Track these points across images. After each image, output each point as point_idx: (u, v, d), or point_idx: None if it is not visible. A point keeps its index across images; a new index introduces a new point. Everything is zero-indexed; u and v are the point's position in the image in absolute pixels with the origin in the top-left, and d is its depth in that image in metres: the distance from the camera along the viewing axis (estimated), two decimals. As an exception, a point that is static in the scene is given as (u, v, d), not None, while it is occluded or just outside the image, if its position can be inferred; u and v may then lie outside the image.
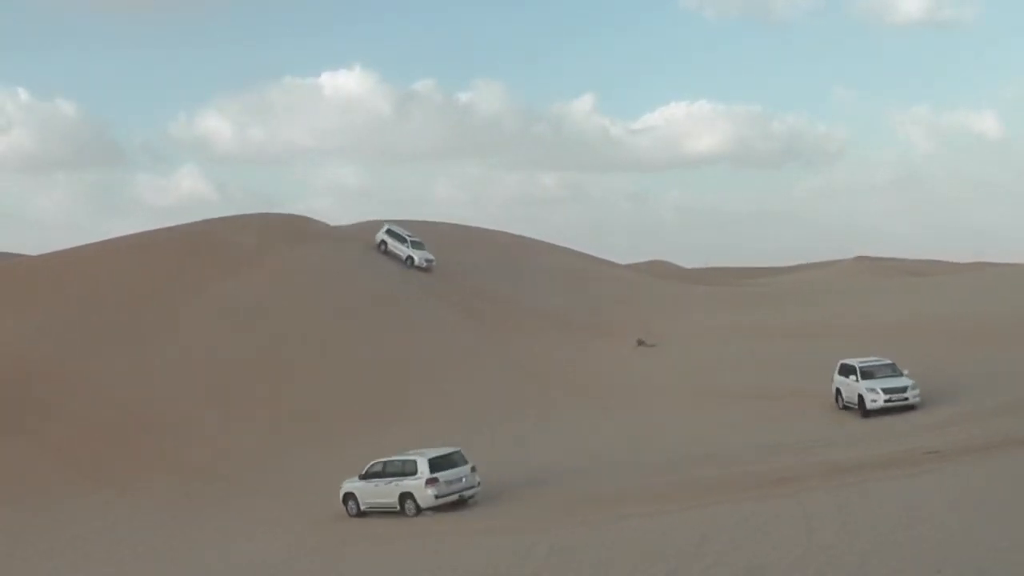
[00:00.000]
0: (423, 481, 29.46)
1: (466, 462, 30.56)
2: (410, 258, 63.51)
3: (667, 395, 45.78)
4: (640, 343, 57.12)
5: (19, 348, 44.72)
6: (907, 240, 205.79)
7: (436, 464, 29.79)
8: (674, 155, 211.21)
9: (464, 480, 30.20)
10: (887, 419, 35.21)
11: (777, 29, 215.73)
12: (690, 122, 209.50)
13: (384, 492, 30.27)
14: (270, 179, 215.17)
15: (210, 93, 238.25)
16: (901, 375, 37.15)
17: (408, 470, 30.02)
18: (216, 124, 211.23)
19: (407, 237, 64.46)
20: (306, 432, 40.54)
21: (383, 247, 64.68)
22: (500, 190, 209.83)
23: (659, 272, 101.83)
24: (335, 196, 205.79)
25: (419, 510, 29.66)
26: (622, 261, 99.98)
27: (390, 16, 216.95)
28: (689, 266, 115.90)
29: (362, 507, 30.75)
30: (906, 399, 36.22)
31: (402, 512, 29.87)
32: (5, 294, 52.06)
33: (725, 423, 38.65)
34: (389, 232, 65.31)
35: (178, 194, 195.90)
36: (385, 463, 30.85)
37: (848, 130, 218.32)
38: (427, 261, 63.53)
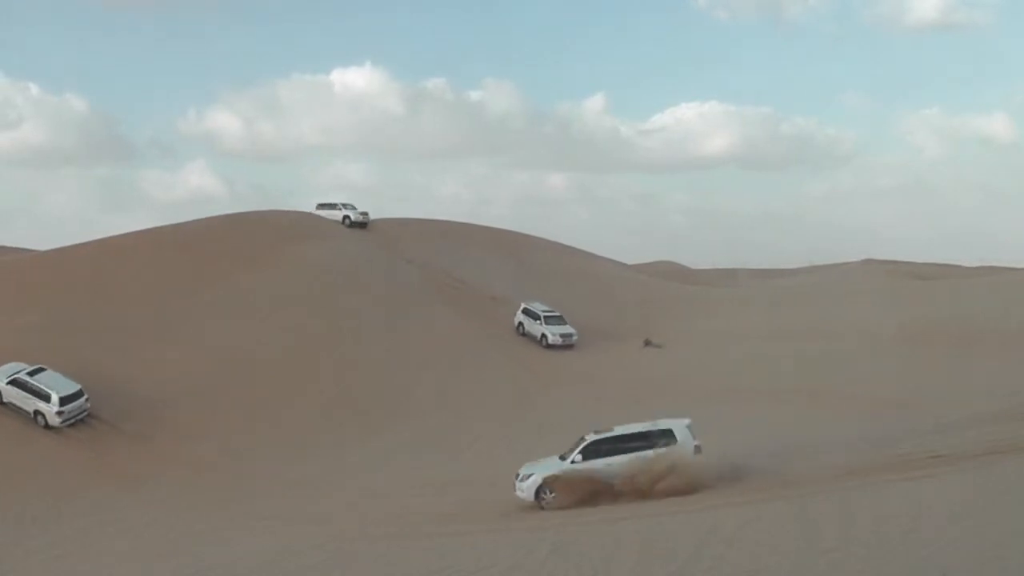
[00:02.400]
0: (54, 410, 38.60)
1: (84, 395, 39.84)
2: (544, 336, 57.42)
3: (672, 396, 45.72)
4: (647, 343, 57.20)
5: (27, 343, 44.86)
6: (915, 243, 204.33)
7: (65, 400, 38.95)
8: (683, 156, 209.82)
9: (80, 409, 39.62)
10: (893, 422, 35.06)
11: (789, 31, 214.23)
12: (700, 123, 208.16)
13: (25, 402, 39.03)
14: (279, 176, 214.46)
15: (219, 89, 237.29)
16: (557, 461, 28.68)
17: (44, 396, 38.84)
18: (225, 120, 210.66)
19: (540, 313, 58.32)
20: (312, 429, 40.66)
21: (520, 329, 58.66)
22: (508, 189, 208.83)
23: (666, 272, 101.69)
24: (344, 193, 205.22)
25: (47, 426, 38.55)
26: (629, 261, 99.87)
27: (401, 14, 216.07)
28: (696, 267, 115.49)
29: (4, 400, 39.26)
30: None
31: (34, 421, 38.69)
32: (14, 289, 52.23)
33: (728, 424, 38.61)
34: (525, 312, 59.04)
35: (187, 190, 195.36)
36: (27, 382, 39.17)
37: (858, 133, 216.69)
38: (563, 337, 57.42)
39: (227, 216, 68.80)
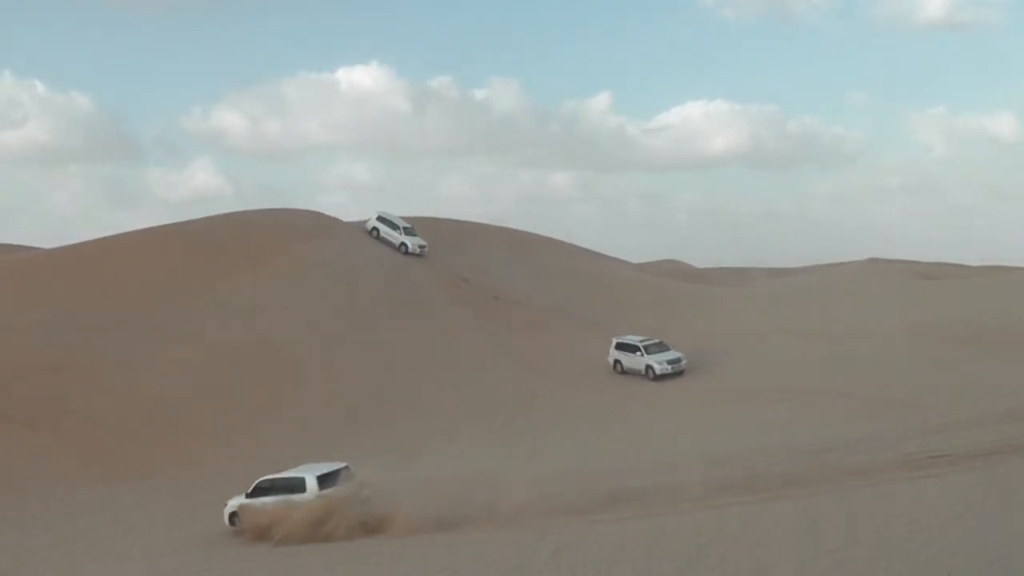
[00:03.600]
0: None
1: None
2: (650, 368, 51.14)
3: (676, 395, 45.74)
4: (651, 342, 57.02)
5: (34, 341, 44.95)
6: (920, 242, 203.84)
7: None
8: (689, 155, 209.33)
9: None
10: (896, 422, 35.01)
11: (795, 30, 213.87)
12: (706, 122, 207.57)
13: None
14: (283, 174, 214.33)
15: (224, 87, 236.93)
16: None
17: None
18: (230, 118, 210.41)
19: (638, 344, 52.15)
20: (314, 428, 40.65)
21: (619, 367, 52.46)
22: (513, 188, 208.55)
23: (671, 271, 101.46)
24: (349, 192, 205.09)
25: None
26: (635, 260, 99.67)
27: (407, 12, 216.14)
28: (702, 266, 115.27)
29: None
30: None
31: None
32: (22, 287, 52.32)
33: (733, 424, 38.58)
34: (619, 347, 52.86)
35: (191, 188, 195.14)
36: None
37: (864, 132, 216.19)
38: (671, 364, 51.20)
39: (232, 215, 68.70)
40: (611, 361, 52.62)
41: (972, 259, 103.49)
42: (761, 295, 76.90)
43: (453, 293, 61.91)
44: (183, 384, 43.35)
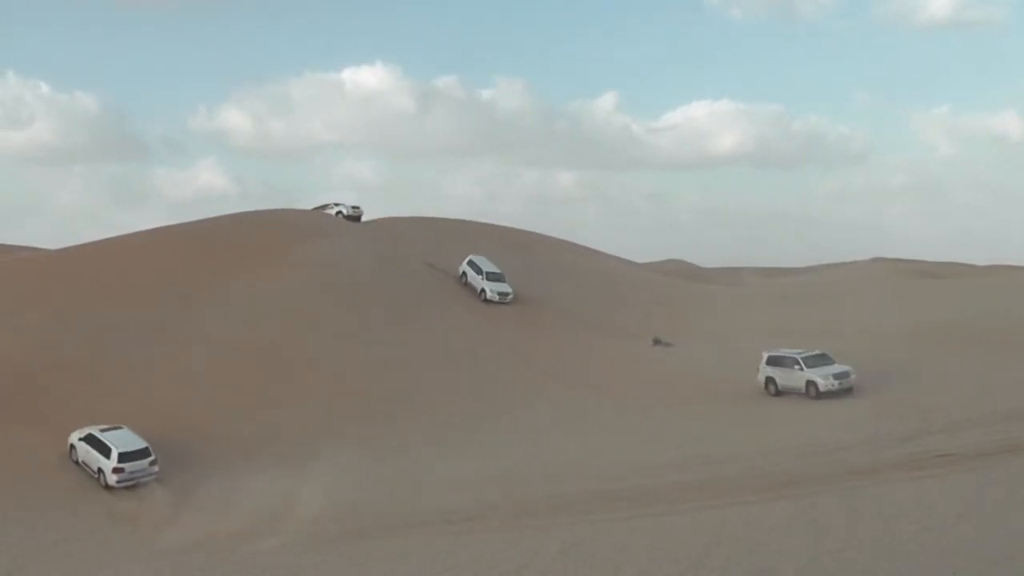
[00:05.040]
0: None
1: None
2: (812, 384, 43.48)
3: (681, 395, 45.63)
4: (656, 342, 57.00)
5: (38, 340, 44.98)
6: (925, 242, 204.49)
7: None
8: (694, 154, 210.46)
9: None
10: (898, 421, 34.96)
11: (801, 30, 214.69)
12: (711, 121, 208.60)
13: None
14: (289, 174, 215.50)
15: (230, 87, 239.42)
16: None
17: None
18: (236, 118, 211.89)
19: (797, 358, 45.09)
20: (317, 428, 40.63)
21: (772, 387, 45.47)
22: (518, 187, 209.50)
23: (676, 271, 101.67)
24: (354, 192, 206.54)
25: None
26: (639, 260, 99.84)
27: (413, 12, 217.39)
28: (706, 265, 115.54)
29: None
30: None
31: None
32: (24, 287, 52.37)
33: (738, 424, 38.56)
34: (772, 361, 46.23)
35: (196, 188, 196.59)
36: None
37: (869, 131, 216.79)
38: (837, 378, 43.29)
39: (234, 215, 68.85)
40: (761, 380, 45.78)
41: (979, 259, 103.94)
42: (766, 295, 76.99)
43: (456, 293, 61.91)
44: (184, 384, 43.33)
